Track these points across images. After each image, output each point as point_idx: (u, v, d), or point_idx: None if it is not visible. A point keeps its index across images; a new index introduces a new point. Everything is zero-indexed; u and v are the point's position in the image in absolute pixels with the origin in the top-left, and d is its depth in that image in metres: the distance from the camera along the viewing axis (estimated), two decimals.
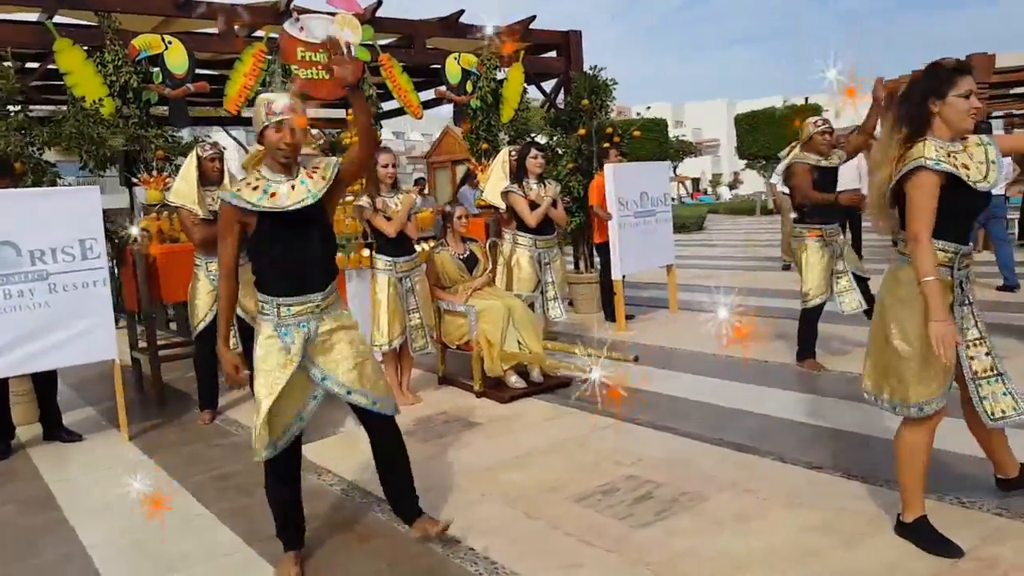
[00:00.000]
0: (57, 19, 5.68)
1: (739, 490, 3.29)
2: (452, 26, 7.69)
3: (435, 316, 5.36)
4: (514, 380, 5.05)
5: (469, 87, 7.82)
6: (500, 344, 4.99)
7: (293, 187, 2.75)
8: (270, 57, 6.49)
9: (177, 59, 6.06)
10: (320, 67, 6.77)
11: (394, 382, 5.02)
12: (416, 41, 7.62)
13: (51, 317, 4.23)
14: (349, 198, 4.94)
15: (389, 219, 4.77)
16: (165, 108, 6.19)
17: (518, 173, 5.65)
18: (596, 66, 8.13)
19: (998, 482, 3.04)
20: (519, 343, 5.08)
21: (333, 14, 6.88)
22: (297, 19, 6.67)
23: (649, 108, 13.03)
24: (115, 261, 5.81)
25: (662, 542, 2.86)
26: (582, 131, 7.79)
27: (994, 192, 8.07)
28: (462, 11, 7.61)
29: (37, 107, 6.90)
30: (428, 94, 8.24)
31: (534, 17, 8.18)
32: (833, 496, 3.16)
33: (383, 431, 2.94)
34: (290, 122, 2.68)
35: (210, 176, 4.84)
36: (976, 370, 2.72)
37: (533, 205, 5.54)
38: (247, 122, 10.22)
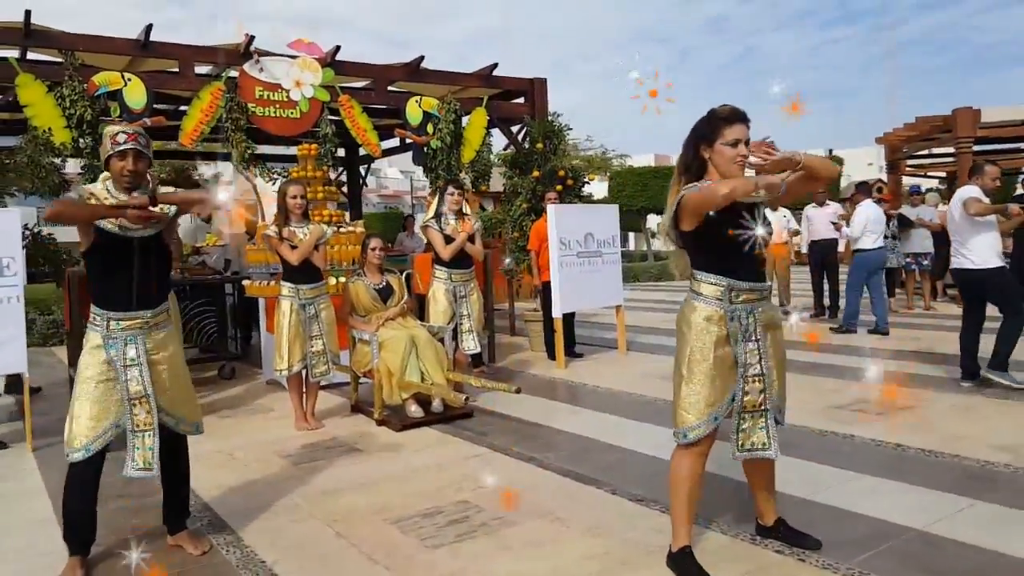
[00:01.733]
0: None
1: (551, 518, 3.33)
2: (414, 71, 8.03)
3: (350, 344, 5.55)
4: (414, 409, 5.16)
5: (430, 129, 8.12)
6: (400, 373, 5.12)
7: None
8: (228, 95, 6.87)
9: (136, 95, 6.47)
10: (277, 106, 7.13)
11: (297, 407, 5.19)
12: (378, 84, 7.97)
13: None
14: (270, 231, 5.14)
15: (295, 247, 4.99)
16: None
17: (437, 209, 5.85)
18: (555, 112, 8.37)
19: (757, 527, 3.04)
20: (422, 374, 5.20)
21: (294, 57, 7.27)
22: (257, 60, 7.06)
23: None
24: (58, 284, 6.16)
25: (439, 562, 2.93)
26: (536, 173, 7.99)
27: (856, 246, 8.51)
28: (422, 57, 7.95)
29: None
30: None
31: (496, 65, 8.48)
32: (635, 527, 3.18)
33: (176, 449, 3.13)
34: (133, 151, 2.91)
35: None
36: (745, 404, 2.75)
37: (450, 240, 5.71)
38: (193, 155, 10.62)
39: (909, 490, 3.52)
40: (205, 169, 26.05)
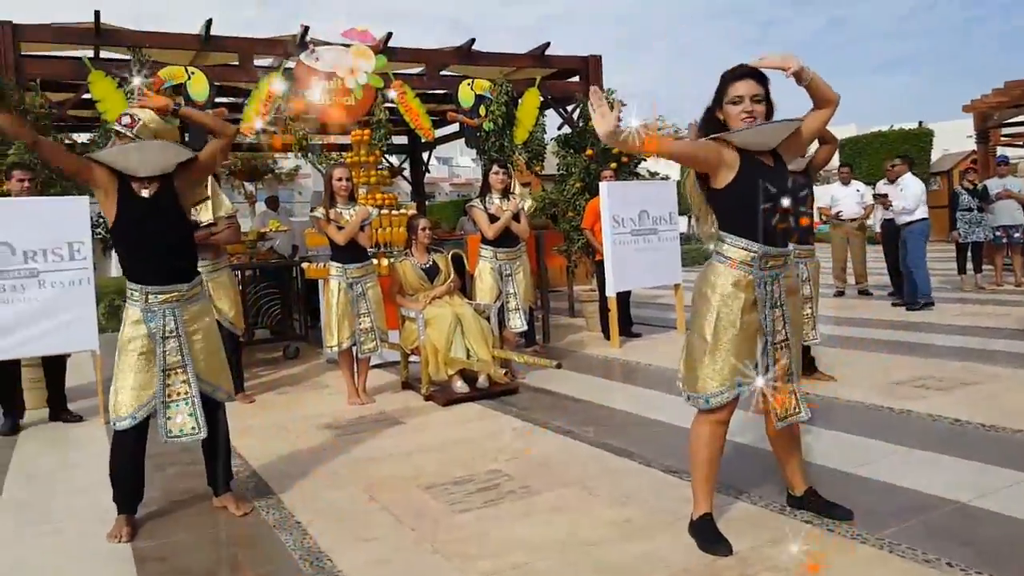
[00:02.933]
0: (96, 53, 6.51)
1: (579, 487, 3.34)
2: (466, 54, 8.07)
3: (399, 322, 5.68)
4: (459, 385, 5.23)
5: (482, 111, 8.14)
6: (445, 350, 5.20)
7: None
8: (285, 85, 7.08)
9: (199, 88, 6.75)
10: (332, 94, 7.31)
11: (349, 383, 5.34)
12: (431, 69, 8.05)
13: (40, 310, 4.83)
14: (317, 212, 5.31)
15: (341, 228, 5.13)
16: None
17: (482, 188, 5.89)
18: (610, 89, 8.25)
19: (788, 498, 2.97)
20: (468, 351, 5.28)
21: (348, 45, 7.42)
22: (313, 50, 7.24)
23: None
24: None
25: (464, 525, 2.98)
26: (589, 152, 7.92)
27: (913, 218, 8.21)
28: (473, 40, 7.97)
29: (73, 134, 7.85)
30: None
31: (548, 44, 8.43)
32: (663, 497, 3.15)
33: (213, 414, 3.26)
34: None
35: None
36: (777, 372, 2.70)
37: (494, 219, 5.74)
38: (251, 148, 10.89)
39: (959, 464, 3.36)
40: (285, 163, 26.97)
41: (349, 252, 5.19)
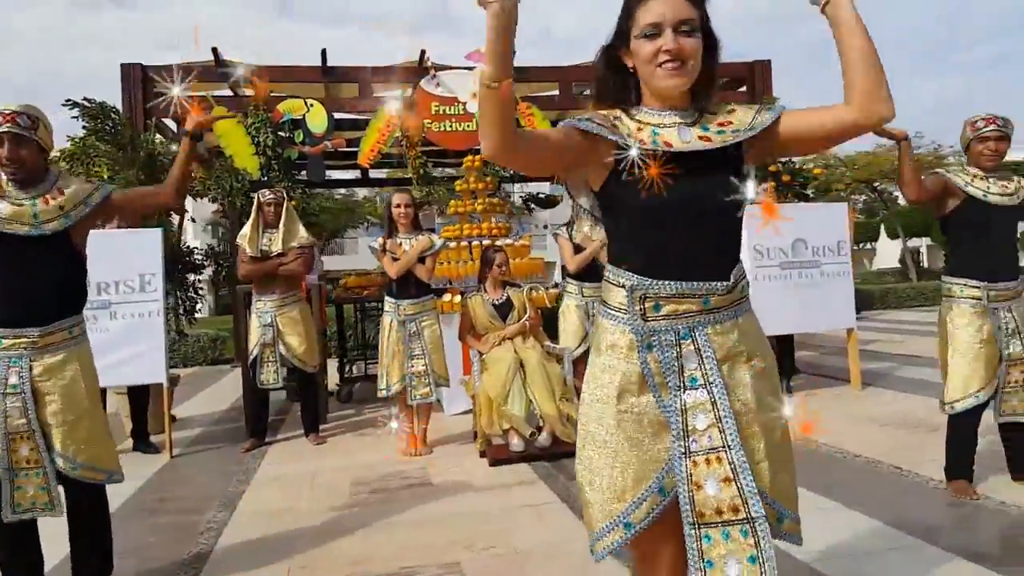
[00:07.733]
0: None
1: None
2: None
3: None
4: (515, 443, 4.43)
5: None
6: (502, 400, 4.45)
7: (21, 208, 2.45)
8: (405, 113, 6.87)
9: (317, 120, 6.76)
10: (453, 120, 6.96)
11: (405, 430, 4.80)
12: (563, 87, 7.40)
13: (111, 341, 4.85)
14: (452, 245, 4.91)
15: (397, 259, 4.64)
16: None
17: (572, 214, 5.07)
18: (775, 99, 6.98)
19: None
20: (530, 401, 4.48)
21: (471, 68, 7.05)
22: (434, 76, 6.97)
23: None
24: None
25: None
26: None
27: None
28: None
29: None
30: None
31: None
32: None
33: (79, 501, 2.59)
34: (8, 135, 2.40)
35: (267, 219, 5.22)
36: (697, 504, 1.51)
37: (580, 249, 4.89)
38: (371, 183, 10.74)
39: None
40: None
41: (403, 286, 4.67)
